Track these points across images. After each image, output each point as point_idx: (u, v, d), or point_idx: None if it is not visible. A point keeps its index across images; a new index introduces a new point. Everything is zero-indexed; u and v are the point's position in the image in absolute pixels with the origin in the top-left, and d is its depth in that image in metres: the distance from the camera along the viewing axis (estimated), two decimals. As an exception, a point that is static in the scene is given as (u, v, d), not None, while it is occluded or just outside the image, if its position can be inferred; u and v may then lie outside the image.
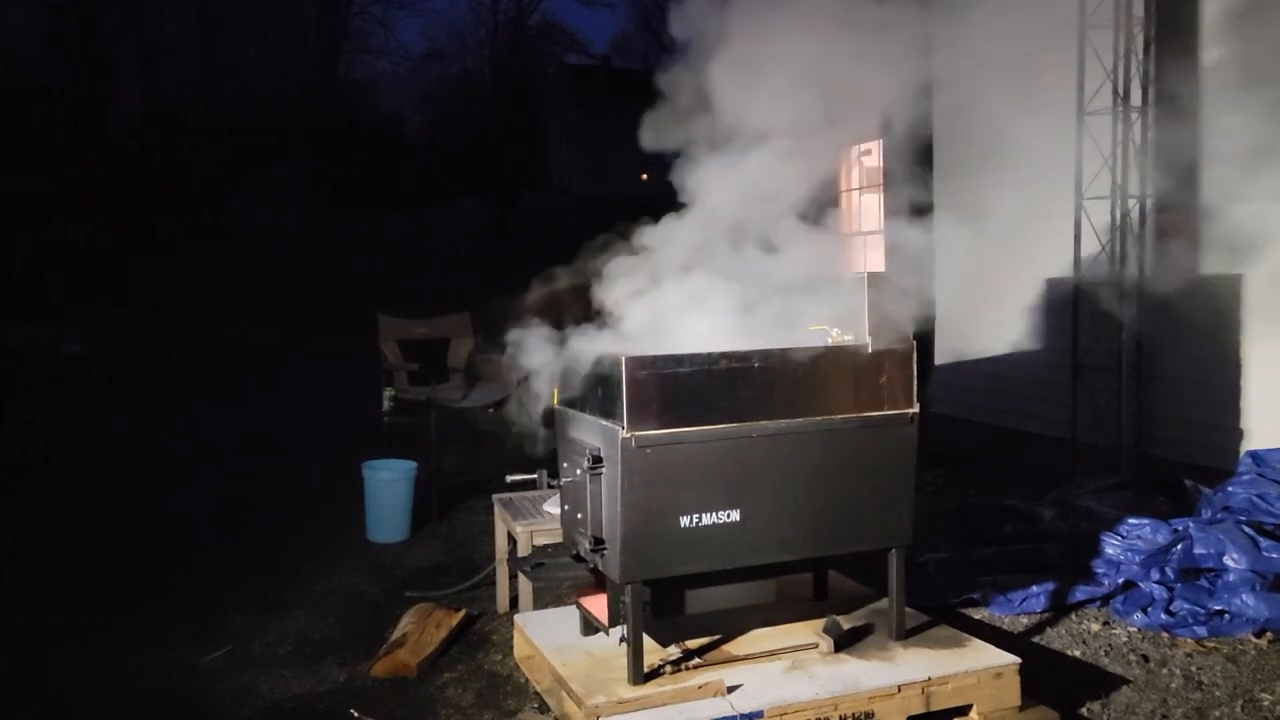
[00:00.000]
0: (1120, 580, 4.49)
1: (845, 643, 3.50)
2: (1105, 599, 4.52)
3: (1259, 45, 5.76)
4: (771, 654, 3.45)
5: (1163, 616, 4.27)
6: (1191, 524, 4.48)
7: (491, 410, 8.00)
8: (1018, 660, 3.41)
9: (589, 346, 3.48)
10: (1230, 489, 4.80)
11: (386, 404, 7.38)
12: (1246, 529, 4.39)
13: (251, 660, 4.28)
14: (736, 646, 3.51)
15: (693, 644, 3.48)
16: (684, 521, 3.22)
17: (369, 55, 30.91)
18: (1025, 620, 4.46)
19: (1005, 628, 4.40)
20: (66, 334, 14.03)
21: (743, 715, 3.09)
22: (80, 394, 11.82)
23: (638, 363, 3.15)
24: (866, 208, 9.64)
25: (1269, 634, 4.15)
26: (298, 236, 18.94)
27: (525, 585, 4.45)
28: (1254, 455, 5.00)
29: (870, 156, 9.49)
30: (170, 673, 4.15)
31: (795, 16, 3.66)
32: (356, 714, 3.72)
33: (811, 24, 3.59)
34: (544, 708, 3.65)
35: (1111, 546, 4.58)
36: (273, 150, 19.22)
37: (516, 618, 4.07)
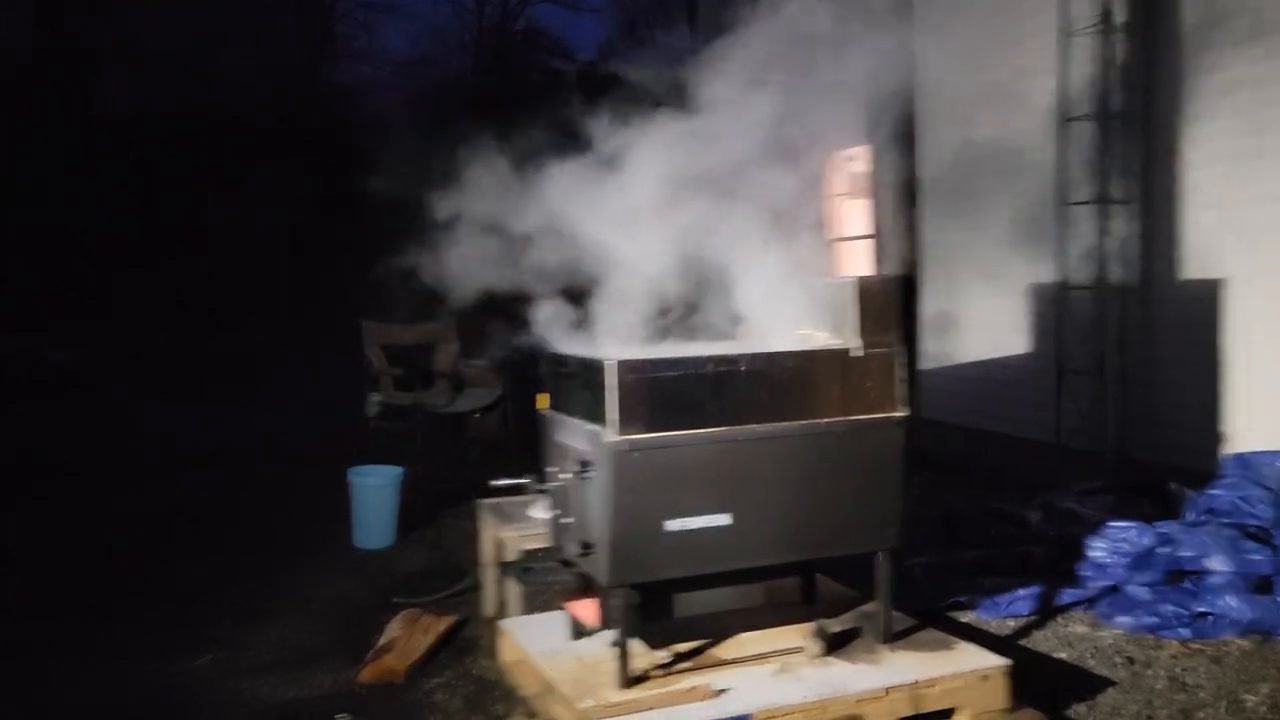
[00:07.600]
0: (1106, 583, 4.52)
1: (833, 646, 3.50)
2: (1091, 601, 4.55)
3: (1240, 47, 5.81)
4: (760, 657, 3.45)
5: (1147, 619, 4.29)
6: (1176, 527, 4.51)
7: (479, 415, 7.99)
8: (1005, 662, 3.42)
9: (577, 349, 3.48)
10: (1214, 491, 4.83)
11: (373, 409, 7.36)
12: (1230, 531, 4.42)
13: (237, 667, 4.25)
14: (725, 650, 3.51)
15: (681, 647, 3.47)
16: (672, 525, 3.21)
17: (352, 59, 30.78)
18: (1012, 623, 4.48)
19: (992, 630, 4.41)
20: (49, 342, 13.88)
21: (731, 718, 3.09)
22: (63, 404, 11.71)
23: (626, 366, 3.14)
24: (853, 212, 9.68)
25: (1253, 635, 4.18)
26: (281, 241, 18.87)
27: (513, 590, 4.44)
28: (1238, 457, 5.04)
29: (857, 162, 9.53)
30: (155, 681, 4.11)
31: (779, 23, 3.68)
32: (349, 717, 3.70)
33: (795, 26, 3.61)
34: (533, 713, 3.64)
35: (1097, 549, 4.60)
36: (256, 153, 19.08)
37: (504, 622, 4.06)
